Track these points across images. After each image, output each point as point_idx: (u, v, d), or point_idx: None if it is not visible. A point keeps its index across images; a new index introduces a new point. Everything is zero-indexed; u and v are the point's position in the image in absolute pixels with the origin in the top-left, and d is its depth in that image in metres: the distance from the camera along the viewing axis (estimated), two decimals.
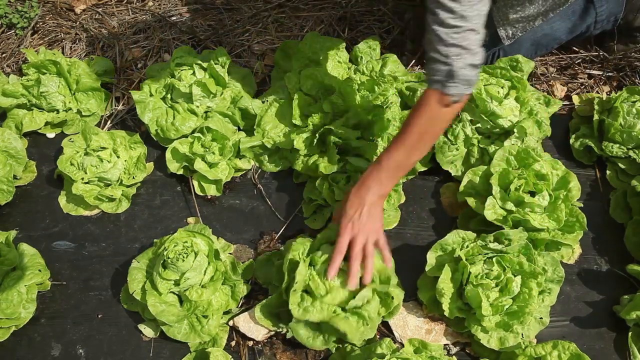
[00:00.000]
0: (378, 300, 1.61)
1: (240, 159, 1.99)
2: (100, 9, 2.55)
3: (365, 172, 1.62)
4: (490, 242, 1.64)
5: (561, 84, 2.20)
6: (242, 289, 1.73)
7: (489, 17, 1.92)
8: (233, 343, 1.71)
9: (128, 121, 2.18)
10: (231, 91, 2.08)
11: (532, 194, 1.74)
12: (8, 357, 1.70)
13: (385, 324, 1.70)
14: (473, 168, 1.84)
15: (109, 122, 2.18)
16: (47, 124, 2.13)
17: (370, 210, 1.57)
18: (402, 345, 1.61)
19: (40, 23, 2.52)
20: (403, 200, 1.90)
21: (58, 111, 2.13)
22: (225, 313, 1.72)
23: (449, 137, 1.92)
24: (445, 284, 1.60)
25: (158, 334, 1.71)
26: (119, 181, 1.94)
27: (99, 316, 1.77)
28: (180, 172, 1.97)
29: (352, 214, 1.56)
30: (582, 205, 1.78)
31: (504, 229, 1.67)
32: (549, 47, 2.15)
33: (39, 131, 2.13)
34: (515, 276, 1.58)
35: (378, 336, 1.68)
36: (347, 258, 1.56)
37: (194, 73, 2.04)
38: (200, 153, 1.90)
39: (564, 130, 2.07)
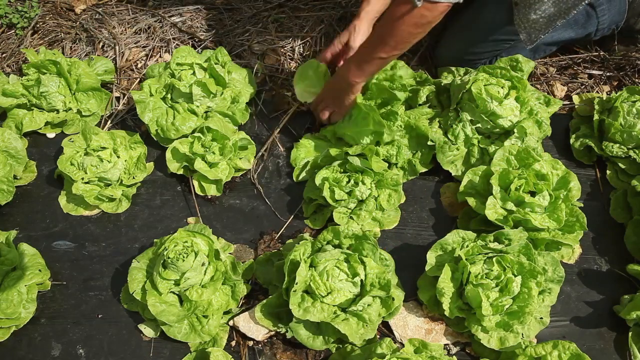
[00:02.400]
0: (379, 302, 1.61)
1: (240, 158, 1.99)
2: (100, 9, 2.55)
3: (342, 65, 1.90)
4: (490, 241, 1.64)
5: (561, 84, 2.20)
6: (242, 289, 1.73)
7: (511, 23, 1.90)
8: (233, 343, 1.71)
9: (128, 121, 2.18)
10: (231, 91, 2.08)
11: (533, 193, 1.74)
12: (8, 357, 1.70)
13: (385, 324, 1.70)
14: (473, 168, 1.84)
15: (109, 122, 2.18)
16: (47, 124, 2.13)
17: (339, 96, 1.89)
18: (402, 345, 1.61)
19: (40, 23, 2.52)
20: (403, 200, 1.90)
21: (58, 111, 2.13)
22: (226, 313, 1.72)
23: (449, 137, 1.92)
24: (446, 284, 1.60)
25: (158, 334, 1.71)
26: (119, 181, 1.94)
27: (99, 316, 1.77)
28: (181, 172, 1.97)
29: (325, 99, 1.95)
30: (582, 205, 1.78)
31: (503, 228, 1.67)
32: (547, 50, 2.15)
33: (39, 131, 2.13)
34: (515, 276, 1.58)
35: (378, 336, 1.68)
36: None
37: (194, 73, 2.04)
38: (201, 153, 1.90)
39: (564, 130, 2.07)
